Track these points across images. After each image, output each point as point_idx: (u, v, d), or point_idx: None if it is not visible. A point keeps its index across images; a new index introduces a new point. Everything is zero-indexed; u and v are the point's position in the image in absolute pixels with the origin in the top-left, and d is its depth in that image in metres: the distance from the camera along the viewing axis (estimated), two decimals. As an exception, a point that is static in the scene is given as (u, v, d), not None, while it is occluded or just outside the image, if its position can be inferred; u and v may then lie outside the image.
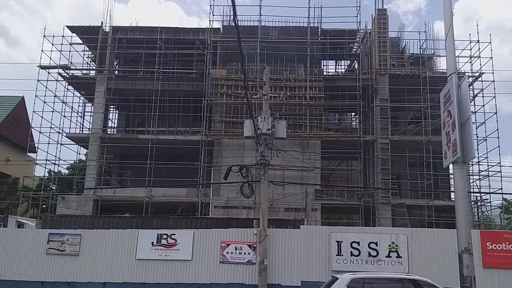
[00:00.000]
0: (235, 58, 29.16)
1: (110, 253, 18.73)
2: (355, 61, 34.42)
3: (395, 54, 31.43)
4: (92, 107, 31.11)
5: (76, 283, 18.45)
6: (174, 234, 18.50)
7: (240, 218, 22.56)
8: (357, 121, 33.62)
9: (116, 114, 34.47)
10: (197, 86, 29.29)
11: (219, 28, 30.50)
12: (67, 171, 36.67)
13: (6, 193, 32.40)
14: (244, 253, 18.00)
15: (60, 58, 29.86)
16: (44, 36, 29.40)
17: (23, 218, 24.78)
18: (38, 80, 28.99)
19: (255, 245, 17.73)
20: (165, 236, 18.47)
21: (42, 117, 28.71)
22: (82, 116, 32.82)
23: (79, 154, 33.67)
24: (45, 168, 30.63)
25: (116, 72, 32.00)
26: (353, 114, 35.29)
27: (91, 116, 30.89)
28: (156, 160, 27.17)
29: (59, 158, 29.45)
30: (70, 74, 30.80)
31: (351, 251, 17.35)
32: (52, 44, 29.54)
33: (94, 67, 31.64)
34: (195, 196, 27.22)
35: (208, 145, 27.93)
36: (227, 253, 18.04)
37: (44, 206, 30.64)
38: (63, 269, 18.73)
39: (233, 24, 7.14)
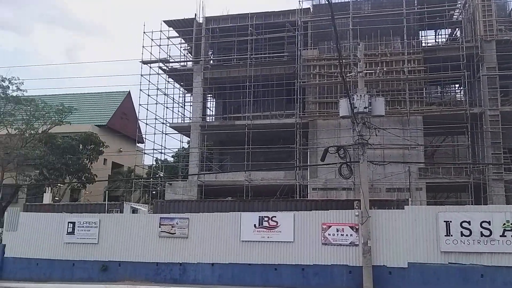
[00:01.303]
0: (326, 37, 28.63)
1: (216, 235, 19.57)
2: (457, 29, 32.03)
3: (501, 18, 28.73)
4: (191, 97, 32.51)
5: (187, 263, 19.58)
6: (275, 217, 18.81)
7: (339, 199, 22.32)
8: (461, 93, 31.44)
9: (214, 102, 35.68)
10: (289, 69, 29.28)
11: (309, 8, 30.08)
12: (172, 159, 38.88)
13: (121, 181, 35.16)
14: (346, 235, 17.82)
15: (159, 52, 31.53)
16: (144, 32, 31.14)
17: (137, 204, 26.75)
18: (141, 75, 30.88)
19: (357, 227, 17.45)
20: (266, 219, 18.86)
21: (147, 109, 30.64)
22: (183, 106, 34.50)
23: (182, 142, 35.57)
24: (153, 157, 32.77)
25: (211, 61, 33.03)
26: (457, 86, 33.06)
27: (191, 105, 32.31)
28: (253, 144, 27.75)
29: (164, 147, 31.42)
30: (170, 67, 32.38)
31: (461, 231, 16.40)
32: (152, 40, 31.22)
33: (190, 59, 32.93)
34: (292, 179, 27.40)
35: (303, 127, 27.90)
36: (329, 234, 17.98)
37: (154, 192, 32.81)
38: (175, 251, 19.95)
39: (323, 3, 6.97)
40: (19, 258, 21.84)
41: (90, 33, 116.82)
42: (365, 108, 17.00)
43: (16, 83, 30.61)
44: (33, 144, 30.73)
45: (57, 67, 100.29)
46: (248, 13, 30.42)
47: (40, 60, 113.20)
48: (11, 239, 22.37)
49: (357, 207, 17.89)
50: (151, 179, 32.39)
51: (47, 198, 27.50)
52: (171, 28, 32.05)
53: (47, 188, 28.75)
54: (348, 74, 20.41)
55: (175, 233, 20.02)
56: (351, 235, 17.72)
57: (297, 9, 29.34)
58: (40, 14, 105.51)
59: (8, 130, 30.69)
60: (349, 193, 25.66)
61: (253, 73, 29.14)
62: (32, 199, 30.72)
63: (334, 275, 17.76)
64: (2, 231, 23.62)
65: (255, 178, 27.93)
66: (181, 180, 30.50)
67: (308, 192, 26.95)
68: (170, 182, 30.05)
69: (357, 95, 17.29)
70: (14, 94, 30.99)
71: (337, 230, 17.96)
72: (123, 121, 40.24)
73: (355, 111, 17.01)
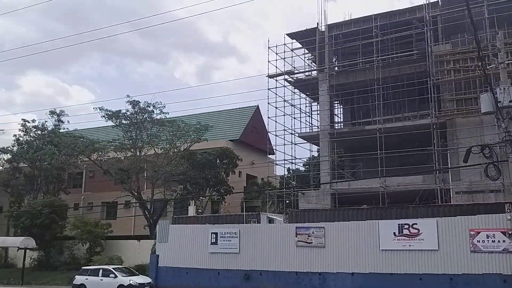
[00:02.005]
0: (458, 30, 26.68)
1: (353, 244, 19.25)
2: None
3: None
4: (318, 106, 32.59)
5: (326, 273, 19.54)
6: (416, 224, 17.95)
7: (488, 203, 20.47)
8: None
9: (341, 109, 35.31)
10: (419, 67, 27.80)
11: (438, 1, 28.34)
12: (303, 168, 39.28)
13: (256, 192, 36.47)
14: (498, 241, 16.37)
15: (284, 65, 32.23)
16: (269, 48, 32.14)
17: (273, 214, 27.46)
18: (268, 89, 31.85)
19: (510, 232, 15.84)
20: (406, 226, 18.08)
21: (276, 121, 31.46)
22: (310, 115, 34.73)
23: (312, 151, 35.76)
24: (284, 167, 33.40)
25: (336, 68, 32.80)
26: None
27: (318, 114, 32.38)
28: (385, 149, 26.80)
29: (294, 157, 31.91)
30: (295, 78, 32.90)
31: None
32: (276, 54, 32.07)
33: (315, 68, 33.09)
34: (432, 183, 25.80)
35: (439, 127, 26.18)
36: (478, 241, 16.64)
37: (287, 201, 33.43)
38: (312, 260, 20.06)
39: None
40: (171, 267, 23.78)
41: (221, 54, 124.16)
42: (510, 101, 15.43)
43: (159, 107, 33.67)
44: (176, 161, 33.40)
45: (192, 89, 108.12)
46: (371, 15, 29.68)
47: (177, 84, 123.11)
48: (163, 249, 24.49)
49: (508, 211, 16.28)
50: (284, 189, 33.01)
51: (191, 211, 29.64)
52: (294, 40, 32.59)
53: (190, 201, 31.01)
54: (488, 67, 18.75)
55: (311, 242, 20.14)
56: (503, 241, 16.24)
57: (424, 4, 27.80)
58: (176, 43, 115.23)
59: (155, 150, 33.81)
60: (498, 195, 23.34)
61: (380, 75, 28.26)
62: (179, 212, 33.33)
63: (487, 285, 16.36)
64: (155, 243, 25.99)
65: (391, 184, 26.87)
66: (314, 189, 30.60)
67: (451, 196, 25.13)
68: (302, 191, 30.32)
69: (500, 88, 15.77)
70: (158, 117, 34.09)
71: (487, 236, 16.55)
72: (254, 134, 41.81)
73: (499, 106, 15.52)
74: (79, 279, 23.57)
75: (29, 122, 39.18)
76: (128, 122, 34.10)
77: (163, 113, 34.03)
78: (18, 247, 30.16)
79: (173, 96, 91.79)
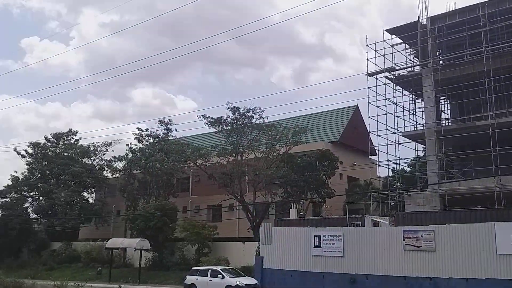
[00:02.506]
0: None
1: (467, 248, 18.10)
2: None
3: None
4: (422, 103, 31.08)
5: (437, 278, 18.56)
6: (540, 227, 16.34)
7: None
8: None
9: (448, 105, 33.31)
10: (537, 54, 25.35)
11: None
12: (408, 169, 37.65)
13: (359, 194, 35.67)
14: None
15: (384, 62, 31.19)
16: (367, 45, 31.34)
17: (377, 217, 26.67)
18: (368, 88, 31.04)
19: None
20: (528, 229, 16.54)
21: (377, 120, 30.56)
22: (414, 113, 33.24)
23: (417, 150, 34.18)
24: (388, 168, 32.31)
25: (441, 62, 31.05)
26: None
27: (422, 111, 30.90)
28: (500, 145, 24.77)
29: (398, 157, 30.71)
30: (396, 75, 31.71)
31: None
32: (375, 51, 31.15)
33: (417, 63, 31.64)
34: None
35: None
36: None
37: (392, 204, 32.26)
38: (422, 265, 19.17)
39: None
40: (275, 270, 24.12)
41: (317, 56, 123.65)
42: None
43: (258, 112, 34.46)
44: (276, 164, 33.85)
45: (289, 93, 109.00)
46: (478, 3, 27.68)
47: (274, 89, 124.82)
48: (267, 251, 24.93)
49: None
50: (388, 191, 31.90)
51: (293, 214, 29.81)
52: (393, 36, 31.46)
53: (292, 204, 31.19)
54: None
55: (420, 246, 19.27)
56: None
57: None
58: (272, 48, 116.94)
59: (255, 154, 34.58)
60: None
61: (491, 67, 26.24)
62: (280, 215, 33.66)
63: None
64: (259, 245, 26.53)
65: (507, 184, 24.75)
66: (421, 191, 29.18)
67: None
68: (408, 193, 29.06)
69: None
70: (258, 122, 34.89)
71: None
72: (354, 135, 40.92)
73: None
74: (189, 279, 24.78)
75: (143, 131, 42.24)
76: (229, 127, 35.31)
77: (262, 117, 34.81)
78: (134, 248, 32.58)
79: (270, 101, 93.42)
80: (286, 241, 24.22)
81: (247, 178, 35.39)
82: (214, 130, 36.91)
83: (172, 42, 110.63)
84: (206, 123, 35.68)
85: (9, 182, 47.64)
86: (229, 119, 35.07)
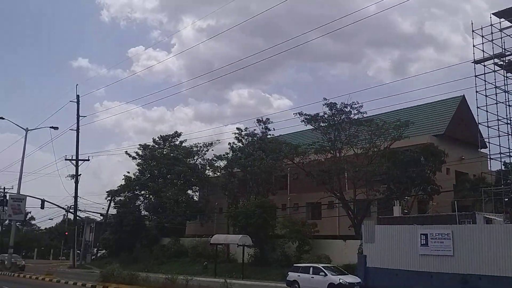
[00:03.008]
0: None
1: None
2: None
3: None
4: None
5: None
6: None
7: None
8: None
9: None
10: None
11: None
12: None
13: (469, 190, 33.42)
14: None
15: (492, 47, 28.90)
16: (473, 31, 29.28)
17: (491, 214, 24.79)
18: (475, 76, 28.95)
19: None
20: None
21: (486, 111, 28.45)
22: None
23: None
24: (500, 161, 29.92)
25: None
26: None
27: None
28: None
29: (512, 150, 28.23)
30: (506, 61, 29.27)
31: None
32: (482, 36, 29.03)
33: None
34: None
35: None
36: None
37: (506, 199, 29.78)
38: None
39: None
40: (380, 268, 23.42)
41: (416, 45, 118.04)
42: None
43: (356, 107, 33.66)
44: (377, 160, 32.84)
45: (388, 86, 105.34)
46: None
47: (371, 83, 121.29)
48: (370, 250, 24.30)
49: None
50: (502, 186, 29.49)
51: (396, 211, 28.74)
52: (502, 19, 29.05)
53: (395, 201, 30.06)
54: None
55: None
56: None
57: None
58: (368, 40, 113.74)
59: (354, 150, 33.86)
60: None
61: None
62: (383, 212, 32.59)
63: None
64: (362, 243, 25.94)
65: None
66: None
67: None
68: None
69: None
70: (356, 117, 34.10)
71: None
72: (461, 127, 38.40)
73: None
74: (291, 275, 24.92)
75: (242, 131, 43.40)
76: (326, 124, 34.93)
77: (360, 112, 33.97)
78: (237, 244, 33.59)
79: (368, 95, 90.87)
80: (390, 239, 23.43)
81: (346, 175, 34.79)
82: (311, 127, 36.77)
83: (265, 42, 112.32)
84: (303, 121, 35.64)
85: (123, 182, 51.65)
86: (326, 116, 34.73)
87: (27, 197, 45.54)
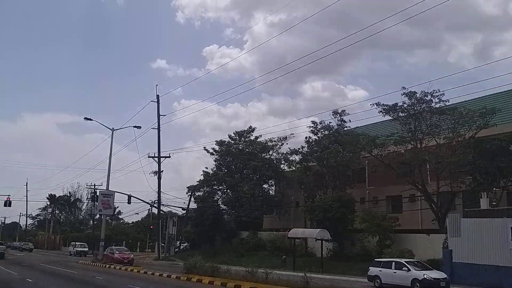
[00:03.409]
0: None
1: None
2: None
3: None
4: None
5: None
6: None
7: None
8: None
9: None
10: None
11: None
12: None
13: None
14: None
15: None
16: None
17: None
18: None
19: None
20: None
21: None
22: None
23: None
24: None
25: None
26: None
27: None
28: None
29: None
30: None
31: None
32: None
33: None
34: None
35: None
36: None
37: None
38: None
39: None
40: (467, 264, 22.32)
41: (501, 28, 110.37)
42: None
43: (437, 95, 32.02)
44: (461, 151, 31.11)
45: (470, 72, 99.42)
46: None
47: (452, 69, 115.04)
48: (456, 244, 23.21)
49: None
50: None
51: (484, 203, 27.06)
52: None
53: (482, 193, 28.31)
54: None
55: None
56: None
57: None
58: (448, 25, 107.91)
59: (436, 141, 32.31)
60: None
61: None
62: (469, 205, 30.82)
63: None
64: (446, 237, 24.76)
65: None
66: None
67: None
68: None
69: None
70: (437, 106, 32.47)
71: None
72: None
73: None
74: (373, 270, 24.34)
75: (318, 124, 43.05)
76: (406, 114, 33.63)
77: (442, 101, 32.30)
78: (315, 238, 33.42)
79: (450, 82, 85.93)
80: (477, 233, 22.21)
81: (428, 166, 33.30)
82: (389, 118, 35.55)
83: (339, 32, 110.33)
84: (381, 111, 34.43)
85: (201, 177, 53.28)
86: (405, 105, 33.39)
87: (115, 192, 48.53)
